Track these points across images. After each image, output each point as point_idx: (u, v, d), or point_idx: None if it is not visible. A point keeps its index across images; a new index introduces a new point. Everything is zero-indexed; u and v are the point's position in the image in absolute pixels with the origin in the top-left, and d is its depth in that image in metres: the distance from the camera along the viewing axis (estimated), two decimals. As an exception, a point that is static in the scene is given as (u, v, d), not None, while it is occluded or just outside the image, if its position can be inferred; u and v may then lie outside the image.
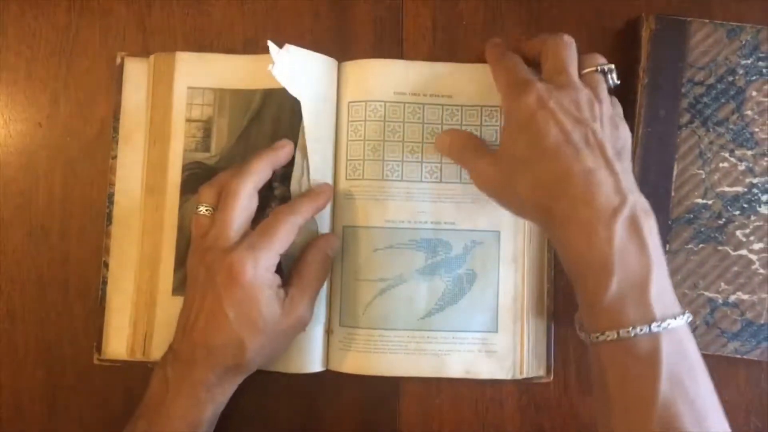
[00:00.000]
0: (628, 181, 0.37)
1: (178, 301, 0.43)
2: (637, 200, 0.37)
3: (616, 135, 0.40)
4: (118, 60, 0.48)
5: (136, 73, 0.48)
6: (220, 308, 0.39)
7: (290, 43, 0.44)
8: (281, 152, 0.43)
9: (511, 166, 0.40)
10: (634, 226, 0.36)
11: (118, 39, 0.49)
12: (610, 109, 0.40)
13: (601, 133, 0.38)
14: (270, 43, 0.42)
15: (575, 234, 0.37)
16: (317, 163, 0.45)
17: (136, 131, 0.48)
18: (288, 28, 0.49)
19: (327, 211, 0.46)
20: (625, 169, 0.38)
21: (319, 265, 0.43)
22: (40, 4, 0.49)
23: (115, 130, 0.48)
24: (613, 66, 0.42)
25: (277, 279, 0.41)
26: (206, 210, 0.42)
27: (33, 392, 0.48)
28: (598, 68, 0.41)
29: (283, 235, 0.40)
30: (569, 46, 0.41)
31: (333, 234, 0.46)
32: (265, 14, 0.49)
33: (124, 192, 0.47)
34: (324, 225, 0.46)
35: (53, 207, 0.48)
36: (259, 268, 0.39)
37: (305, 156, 0.44)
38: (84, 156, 0.48)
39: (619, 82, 0.42)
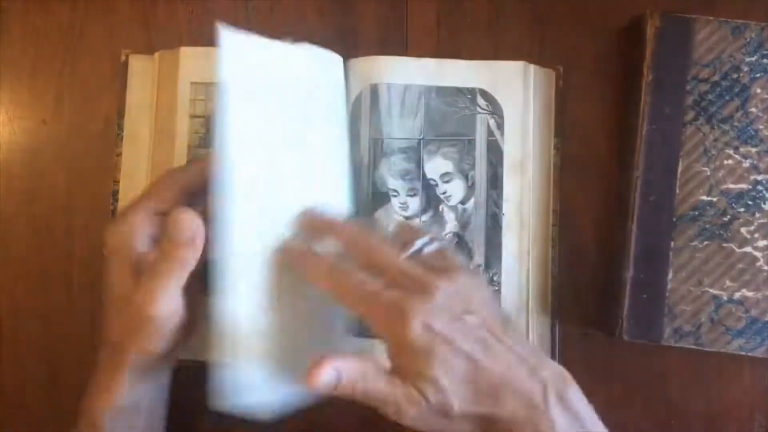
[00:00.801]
0: (530, 355, 0.35)
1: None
2: (550, 373, 0.35)
3: (489, 305, 0.36)
4: (123, 57, 0.48)
5: (141, 71, 0.48)
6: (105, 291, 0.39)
7: (294, 41, 0.43)
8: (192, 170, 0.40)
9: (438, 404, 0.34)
10: (564, 402, 0.34)
11: (122, 37, 0.49)
12: (464, 281, 0.36)
13: (483, 319, 0.35)
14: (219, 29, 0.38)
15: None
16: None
17: (141, 129, 0.48)
18: (292, 26, 0.49)
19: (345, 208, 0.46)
20: (516, 340, 0.35)
21: (184, 249, 0.37)
22: (45, 1, 0.49)
23: (120, 127, 0.48)
24: (427, 238, 0.38)
25: (142, 247, 0.37)
26: None
27: (36, 389, 0.48)
28: (420, 245, 0.38)
29: (154, 191, 0.38)
30: (368, 235, 0.38)
31: (183, 216, 0.38)
32: (269, 12, 0.49)
33: (128, 189, 0.47)
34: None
35: (57, 204, 0.48)
36: (119, 228, 0.38)
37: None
38: (88, 153, 0.49)
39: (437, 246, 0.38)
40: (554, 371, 0.35)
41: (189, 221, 0.37)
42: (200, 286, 0.38)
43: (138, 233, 0.38)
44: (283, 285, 0.39)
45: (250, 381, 0.37)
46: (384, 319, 0.35)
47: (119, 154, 0.48)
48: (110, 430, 0.39)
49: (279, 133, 0.40)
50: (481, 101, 0.47)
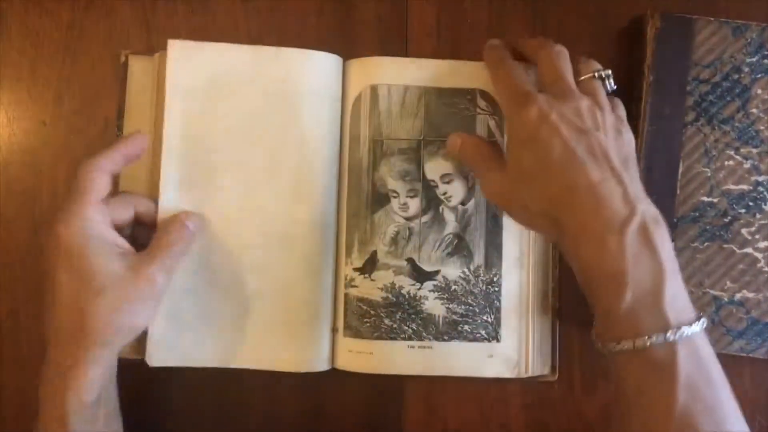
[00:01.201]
0: (636, 190, 0.37)
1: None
2: (647, 209, 0.36)
3: (621, 142, 0.39)
4: (122, 58, 0.48)
5: (141, 72, 0.48)
6: (55, 278, 0.38)
7: (293, 41, 0.44)
8: (132, 142, 0.42)
9: (519, 179, 0.40)
10: (645, 235, 0.36)
11: (122, 37, 0.49)
12: (612, 115, 0.40)
13: (605, 142, 0.38)
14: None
15: (586, 246, 0.37)
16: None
17: (141, 130, 0.47)
18: (292, 27, 0.49)
19: (332, 208, 0.46)
20: (632, 177, 0.38)
21: (175, 234, 0.42)
22: (44, 2, 0.49)
23: (119, 128, 0.48)
24: (609, 71, 0.42)
25: (115, 237, 0.40)
26: None
27: (36, 391, 0.47)
28: (595, 74, 0.41)
29: (89, 183, 0.39)
30: (562, 55, 0.41)
31: (198, 213, 0.44)
32: (269, 13, 0.49)
33: (128, 189, 0.47)
34: (331, 220, 0.46)
35: (57, 205, 0.48)
36: (73, 220, 0.38)
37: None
38: (88, 154, 0.48)
39: (615, 87, 0.42)
40: (651, 210, 0.37)
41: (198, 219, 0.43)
42: None
43: (108, 219, 0.40)
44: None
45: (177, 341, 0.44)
46: (514, 99, 0.40)
47: (119, 155, 0.47)
48: (80, 427, 0.38)
49: (233, 131, 0.45)
50: (481, 102, 0.47)
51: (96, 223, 0.39)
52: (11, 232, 0.48)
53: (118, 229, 0.41)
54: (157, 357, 0.44)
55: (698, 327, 0.35)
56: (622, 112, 0.42)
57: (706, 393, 0.34)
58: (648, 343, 0.35)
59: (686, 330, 0.35)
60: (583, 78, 0.41)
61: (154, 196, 0.45)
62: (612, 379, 0.38)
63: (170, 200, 0.44)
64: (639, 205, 0.36)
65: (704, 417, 0.34)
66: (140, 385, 0.47)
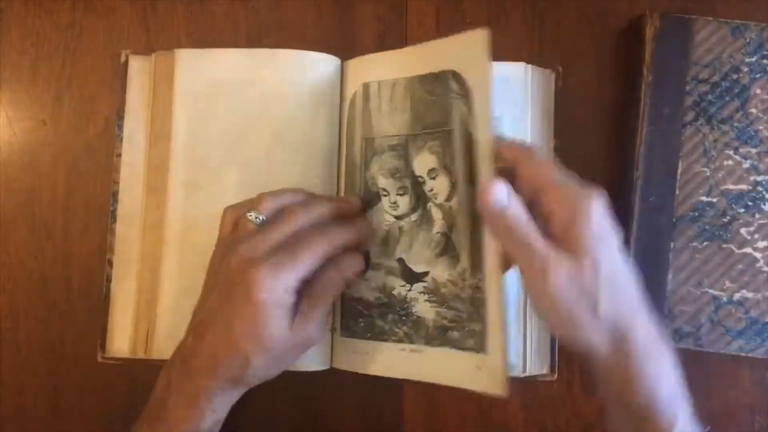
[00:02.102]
0: None
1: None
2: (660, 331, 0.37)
3: None
4: (122, 58, 0.48)
5: (140, 72, 0.48)
6: (231, 322, 0.38)
7: (292, 42, 0.44)
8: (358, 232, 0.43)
9: (598, 273, 0.35)
10: None
11: (122, 37, 0.49)
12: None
13: None
14: None
15: (652, 363, 0.35)
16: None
17: (140, 130, 0.48)
18: (291, 27, 0.49)
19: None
20: None
21: (334, 283, 0.41)
22: (44, 2, 0.49)
23: (119, 128, 0.48)
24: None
25: (293, 298, 0.39)
26: (256, 218, 0.41)
27: (36, 390, 0.48)
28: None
29: (308, 261, 0.39)
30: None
31: (356, 254, 0.43)
32: (268, 12, 0.49)
33: (128, 190, 0.47)
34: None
35: (57, 205, 0.48)
36: (277, 289, 0.38)
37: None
38: (88, 154, 0.48)
39: None
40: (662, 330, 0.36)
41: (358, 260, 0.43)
42: None
43: (289, 290, 0.39)
44: None
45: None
46: (573, 197, 0.36)
47: (119, 155, 0.48)
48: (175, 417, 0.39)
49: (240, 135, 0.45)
50: (453, 84, 0.42)
51: (289, 293, 0.39)
52: (11, 231, 0.48)
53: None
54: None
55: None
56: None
57: None
58: None
59: None
60: None
61: (158, 199, 0.46)
62: None
63: (178, 202, 0.45)
64: None
65: None
66: (140, 384, 0.47)
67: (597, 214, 0.35)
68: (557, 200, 0.36)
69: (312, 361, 0.45)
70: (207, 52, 0.47)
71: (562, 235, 0.35)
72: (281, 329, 0.39)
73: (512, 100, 0.47)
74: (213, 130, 0.46)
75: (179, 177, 0.46)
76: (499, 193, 0.35)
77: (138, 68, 0.48)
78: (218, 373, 0.39)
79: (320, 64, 0.46)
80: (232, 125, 0.46)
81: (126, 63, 0.48)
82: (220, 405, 0.40)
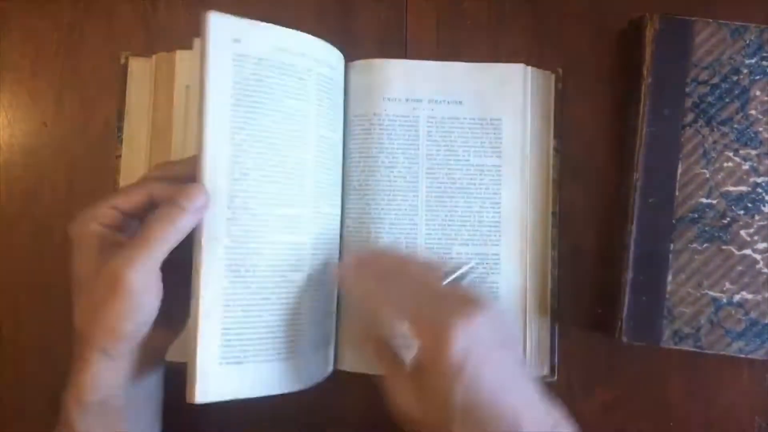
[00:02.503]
0: (545, 397, 0.36)
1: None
2: (560, 416, 0.36)
3: (518, 346, 0.40)
4: (123, 60, 0.48)
5: (141, 73, 0.48)
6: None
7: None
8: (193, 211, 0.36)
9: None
10: None
11: (122, 39, 0.49)
12: (501, 318, 0.38)
13: (513, 356, 0.37)
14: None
15: None
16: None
17: (140, 131, 0.48)
18: (291, 27, 0.49)
19: (336, 212, 0.46)
20: (535, 382, 0.37)
21: (162, 221, 0.36)
22: (45, 4, 0.49)
23: (120, 129, 0.48)
24: (467, 267, 0.41)
25: (108, 232, 0.37)
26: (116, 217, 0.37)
27: (36, 393, 0.48)
28: (459, 274, 0.40)
29: (123, 192, 0.38)
30: (407, 259, 0.41)
31: (199, 185, 0.37)
32: (269, 13, 0.49)
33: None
34: (333, 225, 0.46)
35: (58, 206, 0.48)
36: (81, 216, 0.37)
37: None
38: (89, 155, 0.49)
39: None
40: (562, 414, 0.37)
41: (198, 189, 0.37)
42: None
43: (100, 220, 0.37)
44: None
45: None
46: (428, 329, 0.35)
47: (119, 156, 0.48)
48: (83, 428, 0.37)
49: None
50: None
51: (99, 220, 0.37)
52: (12, 232, 0.48)
53: (133, 217, 0.38)
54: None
55: None
56: (488, 295, 0.42)
57: None
58: None
59: None
60: (452, 278, 0.40)
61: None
62: None
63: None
64: (555, 414, 0.36)
65: None
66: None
67: (450, 346, 0.34)
68: (418, 330, 0.36)
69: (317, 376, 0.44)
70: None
71: (421, 370, 0.36)
72: (86, 262, 0.36)
73: (512, 102, 0.48)
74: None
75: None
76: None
77: (138, 70, 0.48)
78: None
79: (334, 57, 0.45)
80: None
81: (126, 64, 0.48)
82: (101, 374, 0.37)
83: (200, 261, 0.37)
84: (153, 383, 0.40)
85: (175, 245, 0.36)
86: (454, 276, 0.40)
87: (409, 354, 0.37)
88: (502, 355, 0.36)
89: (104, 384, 0.37)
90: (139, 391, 0.39)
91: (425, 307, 0.36)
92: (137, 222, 0.37)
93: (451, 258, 0.46)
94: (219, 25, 0.38)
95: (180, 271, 0.37)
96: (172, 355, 0.41)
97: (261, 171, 0.39)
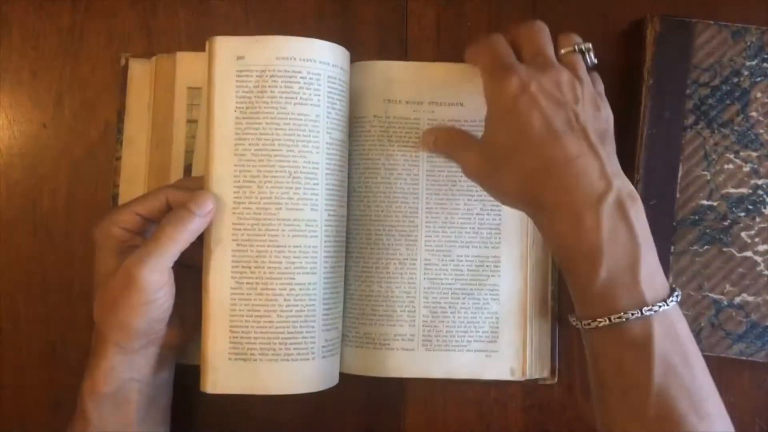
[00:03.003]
0: (613, 166, 0.37)
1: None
2: (623, 185, 0.37)
3: (599, 117, 0.39)
4: (123, 61, 0.48)
5: (141, 75, 0.48)
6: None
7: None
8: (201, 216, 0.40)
9: (496, 156, 0.39)
10: (621, 211, 0.36)
11: (122, 40, 0.49)
12: (591, 89, 0.40)
13: (584, 115, 0.38)
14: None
15: (562, 222, 0.36)
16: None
17: (140, 133, 0.48)
18: (292, 30, 0.49)
19: (344, 212, 0.46)
20: (608, 153, 0.38)
21: (173, 225, 0.38)
22: (45, 5, 0.49)
23: (120, 131, 0.48)
24: (590, 45, 0.41)
25: (125, 234, 0.40)
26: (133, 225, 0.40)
27: (37, 393, 0.48)
28: (576, 47, 0.41)
29: (142, 198, 0.41)
30: (542, 29, 0.41)
31: (207, 192, 0.41)
32: (269, 15, 0.49)
33: (128, 193, 0.47)
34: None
35: (57, 208, 0.48)
36: (103, 221, 0.40)
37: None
38: (88, 157, 0.49)
39: (596, 62, 0.41)
40: (628, 186, 0.37)
41: (206, 196, 0.40)
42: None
43: (120, 224, 0.40)
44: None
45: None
46: (494, 70, 0.39)
47: (119, 158, 0.48)
48: (97, 418, 0.39)
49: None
50: None
51: (120, 225, 0.40)
52: (12, 234, 0.48)
53: (150, 222, 0.41)
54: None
55: (673, 302, 0.35)
56: (600, 87, 0.42)
57: (682, 371, 0.34)
58: (624, 320, 0.35)
59: (662, 306, 0.35)
60: (563, 51, 0.41)
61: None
62: (589, 357, 0.38)
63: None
64: (615, 181, 0.36)
65: (681, 395, 0.34)
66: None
67: (503, 89, 0.38)
68: (485, 73, 0.40)
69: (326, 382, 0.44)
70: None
71: (491, 108, 0.40)
72: (106, 262, 0.39)
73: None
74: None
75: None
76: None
77: (138, 72, 0.48)
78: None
79: (340, 56, 0.45)
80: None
81: (126, 66, 0.48)
82: (116, 367, 0.39)
83: (208, 262, 0.41)
84: (165, 381, 0.42)
85: (185, 246, 0.39)
86: (572, 47, 0.41)
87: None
88: (569, 111, 0.38)
89: (118, 377, 0.39)
90: (152, 387, 0.41)
91: (514, 60, 0.40)
92: (155, 226, 0.40)
93: (452, 260, 0.46)
94: (224, 46, 0.41)
95: (194, 275, 0.41)
96: (182, 358, 0.43)
97: (264, 177, 0.41)
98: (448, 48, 0.49)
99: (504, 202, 0.42)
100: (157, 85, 0.47)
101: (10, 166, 0.49)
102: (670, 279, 0.45)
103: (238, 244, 0.41)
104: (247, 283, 0.41)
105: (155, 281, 0.37)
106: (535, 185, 0.37)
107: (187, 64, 0.47)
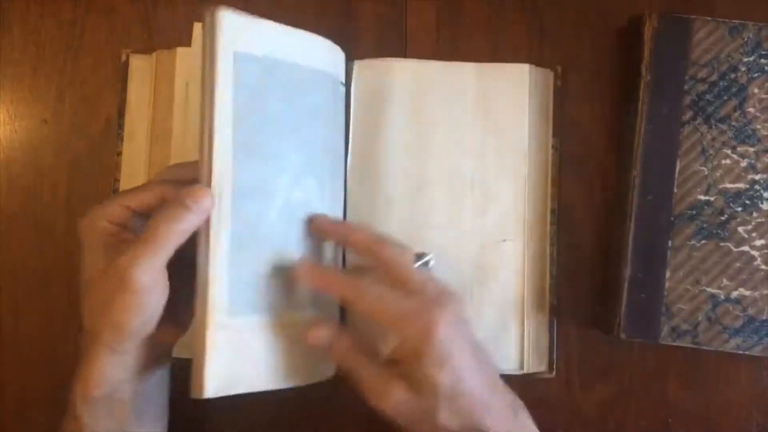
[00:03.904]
0: (499, 377, 0.39)
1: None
2: (514, 397, 0.39)
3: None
4: (123, 57, 0.48)
5: (141, 71, 0.48)
6: None
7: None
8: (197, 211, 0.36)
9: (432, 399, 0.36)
10: (524, 420, 0.39)
11: (123, 36, 0.49)
12: (463, 305, 0.39)
13: (477, 340, 0.39)
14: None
15: None
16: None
17: (141, 128, 0.48)
18: (291, 26, 0.49)
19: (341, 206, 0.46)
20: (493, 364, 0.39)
21: (168, 220, 0.35)
22: (46, 1, 0.49)
23: (120, 126, 0.48)
24: (432, 254, 0.43)
25: (112, 232, 0.37)
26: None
27: (37, 389, 0.48)
28: (425, 260, 0.42)
29: (133, 191, 0.38)
30: (377, 242, 0.40)
31: (204, 187, 0.37)
32: (269, 12, 0.49)
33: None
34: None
35: (58, 203, 0.49)
36: (89, 213, 0.37)
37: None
38: (89, 153, 0.49)
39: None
40: (514, 394, 0.39)
41: (208, 191, 0.36)
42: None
43: (108, 218, 0.37)
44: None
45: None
46: (409, 323, 0.36)
47: (119, 153, 0.48)
48: (90, 421, 0.37)
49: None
50: None
51: (108, 218, 0.37)
52: (13, 229, 0.48)
53: (141, 216, 0.38)
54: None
55: None
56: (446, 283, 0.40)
57: None
58: None
59: None
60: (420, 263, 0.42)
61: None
62: None
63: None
64: (509, 395, 0.39)
65: None
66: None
67: (438, 335, 0.35)
68: (396, 328, 0.37)
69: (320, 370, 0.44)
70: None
71: (403, 362, 0.37)
72: (94, 260, 0.37)
73: (512, 100, 0.48)
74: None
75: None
76: (321, 333, 0.38)
77: (139, 67, 0.48)
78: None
79: (336, 56, 0.46)
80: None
81: (127, 62, 0.48)
82: (108, 369, 0.37)
83: (206, 257, 0.37)
84: (159, 379, 0.41)
85: (180, 244, 0.36)
86: (423, 260, 0.42)
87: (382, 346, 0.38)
88: (472, 341, 0.38)
89: (110, 379, 0.37)
90: (146, 387, 0.39)
91: (404, 300, 0.37)
92: (144, 221, 0.37)
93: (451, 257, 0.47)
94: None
95: (185, 269, 0.37)
96: (178, 352, 0.41)
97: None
98: (447, 45, 0.49)
99: None
100: (158, 80, 0.48)
101: (11, 161, 0.49)
102: (668, 274, 0.46)
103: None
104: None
105: (149, 281, 0.35)
106: (471, 424, 0.37)
107: (187, 59, 0.47)
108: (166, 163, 0.47)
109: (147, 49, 0.48)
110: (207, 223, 0.37)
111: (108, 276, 0.35)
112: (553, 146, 0.48)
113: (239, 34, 0.38)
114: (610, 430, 0.48)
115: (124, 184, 0.47)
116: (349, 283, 0.39)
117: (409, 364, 0.36)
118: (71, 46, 0.49)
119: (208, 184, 0.37)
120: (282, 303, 0.40)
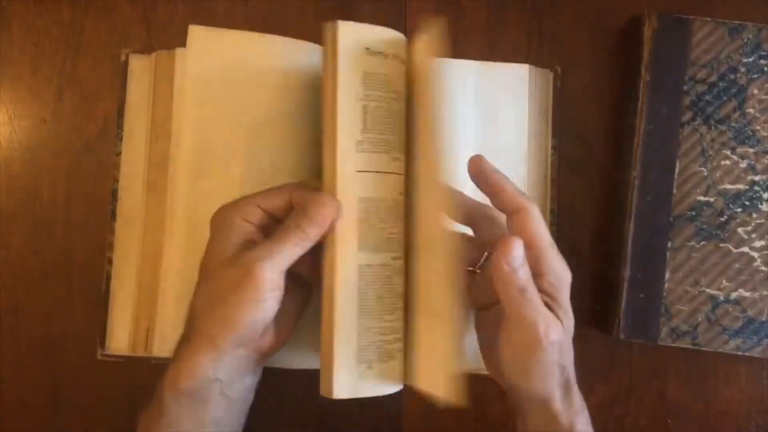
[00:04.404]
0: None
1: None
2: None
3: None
4: (123, 57, 0.48)
5: (141, 70, 0.48)
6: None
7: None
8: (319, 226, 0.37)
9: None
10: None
11: (122, 36, 0.49)
12: None
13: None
14: None
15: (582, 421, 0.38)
16: None
17: (140, 128, 0.48)
18: (292, 27, 0.49)
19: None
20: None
21: (295, 230, 0.37)
22: (45, 1, 0.49)
23: (120, 126, 0.48)
24: None
25: (247, 227, 0.38)
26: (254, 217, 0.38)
27: (36, 387, 0.48)
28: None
29: (265, 193, 0.39)
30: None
31: (331, 198, 0.38)
32: (269, 12, 0.50)
33: (128, 188, 0.47)
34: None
35: (57, 203, 0.48)
36: (225, 208, 0.38)
37: None
38: (88, 152, 0.49)
39: None
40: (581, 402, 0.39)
41: (332, 202, 0.37)
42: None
43: (242, 215, 0.38)
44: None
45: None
46: (559, 256, 0.38)
47: (119, 153, 0.48)
48: (173, 411, 0.37)
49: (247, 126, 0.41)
50: None
51: (243, 215, 0.38)
52: (11, 228, 0.48)
53: (272, 218, 0.38)
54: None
55: None
56: None
57: None
58: None
59: None
60: None
61: (158, 197, 0.45)
62: None
63: (179, 201, 0.42)
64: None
65: None
66: (140, 381, 0.47)
67: (547, 339, 0.36)
68: (549, 264, 0.37)
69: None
70: (224, 32, 0.44)
71: (551, 296, 0.37)
72: (222, 252, 0.37)
73: (511, 100, 0.48)
74: (219, 123, 0.44)
75: (184, 174, 0.44)
76: (517, 252, 0.36)
77: (138, 67, 0.48)
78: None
79: (304, 53, 0.45)
80: (239, 116, 0.44)
81: (126, 62, 0.48)
82: (206, 364, 0.37)
83: (335, 269, 0.38)
84: (248, 386, 0.40)
85: (303, 252, 0.37)
86: None
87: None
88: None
89: (203, 374, 0.36)
90: (233, 391, 0.38)
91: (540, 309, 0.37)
92: (275, 224, 0.38)
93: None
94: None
95: (290, 284, 0.38)
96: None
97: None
98: (446, 44, 0.49)
99: (544, 384, 0.38)
100: (157, 80, 0.47)
101: (11, 161, 0.49)
102: (667, 275, 0.46)
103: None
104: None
105: (271, 281, 0.35)
106: (571, 373, 0.38)
107: (186, 59, 0.47)
108: (165, 162, 0.46)
109: (146, 49, 0.48)
110: (332, 229, 0.38)
111: (234, 266, 0.35)
112: (552, 146, 0.48)
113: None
114: (609, 430, 0.48)
115: (123, 183, 0.47)
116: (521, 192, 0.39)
117: (558, 295, 0.37)
118: (70, 45, 0.49)
119: (333, 192, 0.37)
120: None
